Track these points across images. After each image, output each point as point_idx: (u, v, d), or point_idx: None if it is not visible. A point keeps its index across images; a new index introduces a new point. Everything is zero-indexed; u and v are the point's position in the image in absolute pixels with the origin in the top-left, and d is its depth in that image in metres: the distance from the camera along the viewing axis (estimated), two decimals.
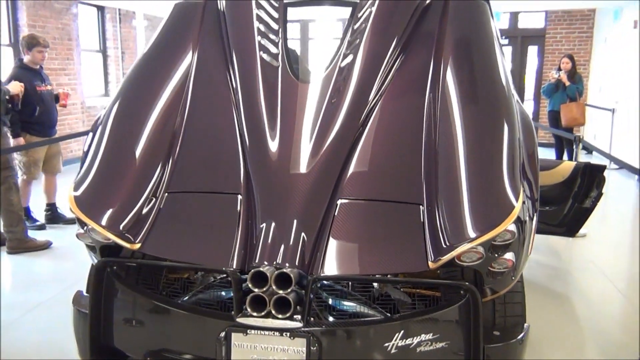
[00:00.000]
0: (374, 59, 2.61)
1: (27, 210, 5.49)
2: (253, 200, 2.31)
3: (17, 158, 5.14)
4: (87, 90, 9.66)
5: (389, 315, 2.13)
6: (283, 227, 2.17)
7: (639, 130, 8.04)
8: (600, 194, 3.64)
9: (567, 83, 8.02)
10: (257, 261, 2.09)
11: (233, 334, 2.02)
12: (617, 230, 6.01)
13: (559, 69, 8.23)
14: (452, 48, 2.60)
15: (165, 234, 2.25)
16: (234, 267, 2.12)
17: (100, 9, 10.03)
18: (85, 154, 2.46)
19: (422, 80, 2.54)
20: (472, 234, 1.99)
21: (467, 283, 2.01)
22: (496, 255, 2.04)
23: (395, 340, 2.00)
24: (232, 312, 2.06)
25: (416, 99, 2.51)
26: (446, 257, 1.99)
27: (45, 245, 4.97)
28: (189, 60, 2.74)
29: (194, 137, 2.54)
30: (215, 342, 2.04)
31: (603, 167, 3.62)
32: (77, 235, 2.32)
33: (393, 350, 2.00)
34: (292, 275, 1.98)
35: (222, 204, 2.34)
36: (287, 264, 2.05)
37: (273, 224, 2.18)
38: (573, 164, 3.71)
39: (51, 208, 5.73)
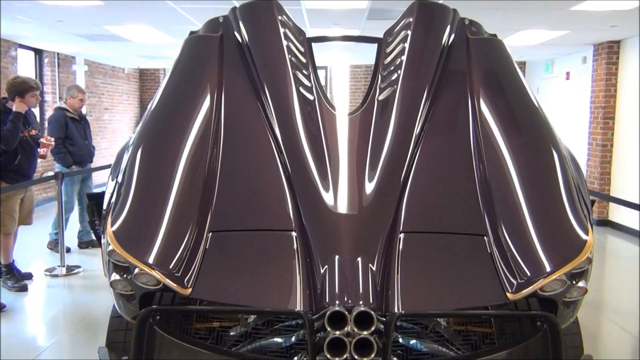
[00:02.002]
0: (414, 93, 2.59)
1: (12, 266, 4.87)
2: (307, 237, 2.17)
3: None
4: None
5: (460, 354, 2.03)
6: (347, 264, 2.04)
7: None
8: None
9: None
10: (327, 301, 1.94)
11: None
12: None
13: None
14: (481, 81, 2.64)
15: (216, 277, 2.05)
16: (302, 308, 1.95)
17: (39, 53, 9.55)
18: (113, 195, 2.24)
19: (463, 113, 2.55)
20: (555, 262, 1.97)
21: (548, 313, 1.96)
22: (573, 282, 2.02)
23: None
24: (305, 358, 1.89)
25: (460, 132, 2.51)
26: (534, 287, 1.94)
27: None
28: (214, 94, 2.60)
29: (233, 173, 2.38)
30: None
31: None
32: (113, 283, 2.07)
33: None
34: (373, 314, 1.84)
35: (275, 242, 2.18)
36: (360, 302, 1.92)
37: (336, 262, 2.05)
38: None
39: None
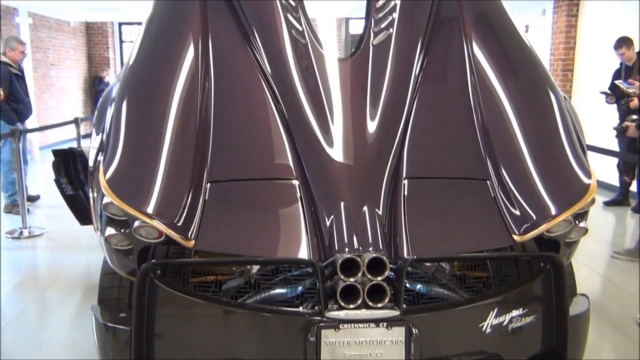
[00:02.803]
0: (410, 37, 2.52)
1: None
2: (309, 185, 2.11)
3: None
4: None
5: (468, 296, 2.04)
6: (354, 212, 2.00)
7: None
8: None
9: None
10: (336, 249, 1.90)
11: (323, 331, 1.82)
12: None
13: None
14: (474, 24, 2.60)
15: (219, 228, 1.98)
16: (310, 257, 1.91)
17: None
18: (102, 148, 2.10)
19: (459, 56, 2.51)
20: (561, 204, 1.98)
21: (554, 253, 1.99)
22: (576, 222, 2.05)
23: (490, 319, 1.92)
24: (317, 308, 1.85)
25: (457, 76, 2.46)
26: (541, 228, 1.96)
27: None
28: (199, 40, 2.44)
29: (227, 121, 2.27)
30: (303, 343, 1.82)
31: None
32: (108, 238, 1.96)
33: (488, 330, 1.92)
34: (386, 260, 1.82)
35: (277, 191, 2.11)
36: (370, 249, 1.89)
37: (342, 209, 2.00)
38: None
39: None
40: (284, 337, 1.85)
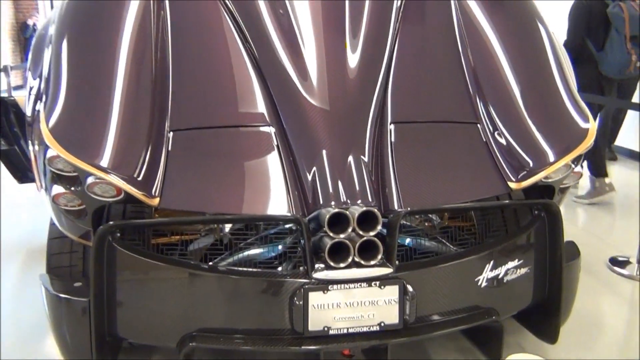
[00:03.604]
0: None
1: None
2: (286, 133, 1.89)
3: None
4: None
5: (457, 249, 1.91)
6: (338, 161, 1.80)
7: None
8: None
9: None
10: (321, 203, 1.70)
11: (310, 294, 1.64)
12: None
13: None
14: None
15: (186, 182, 1.74)
16: (293, 212, 1.71)
17: None
18: (42, 94, 1.79)
19: None
20: (559, 150, 1.85)
21: (551, 201, 1.86)
22: (573, 167, 1.92)
23: (486, 272, 1.79)
24: (302, 269, 1.67)
25: (441, 13, 2.26)
26: (539, 175, 1.82)
27: None
28: None
29: (188, 62, 2.00)
30: (288, 308, 1.64)
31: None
32: (55, 198, 1.68)
33: (484, 284, 1.79)
34: (378, 214, 1.64)
35: (251, 139, 1.87)
36: (359, 202, 1.70)
37: (325, 158, 1.80)
38: None
39: None
40: (265, 303, 1.66)
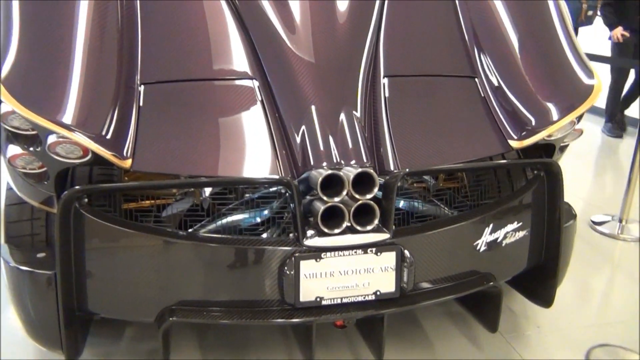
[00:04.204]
0: None
1: None
2: (270, 87, 1.72)
3: None
4: None
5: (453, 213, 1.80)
6: (329, 117, 1.64)
7: None
8: None
9: None
10: (312, 164, 1.55)
11: (302, 263, 1.50)
12: None
13: None
14: None
15: (161, 142, 1.56)
16: (282, 174, 1.56)
17: None
18: None
19: None
20: (563, 107, 1.73)
21: (552, 160, 1.76)
22: (575, 124, 1.82)
23: (485, 236, 1.69)
24: (292, 236, 1.53)
25: None
26: (542, 133, 1.71)
27: None
28: None
29: (161, 8, 1.79)
30: (277, 278, 1.51)
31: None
32: (12, 160, 1.49)
33: (482, 248, 1.70)
34: (375, 175, 1.50)
35: (231, 93, 1.69)
36: (353, 162, 1.56)
37: (314, 114, 1.64)
38: None
39: None
40: (252, 273, 1.52)
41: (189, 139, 1.58)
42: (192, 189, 1.76)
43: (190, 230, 1.63)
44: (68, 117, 1.41)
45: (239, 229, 1.64)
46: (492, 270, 1.74)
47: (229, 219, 1.69)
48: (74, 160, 1.45)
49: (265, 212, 1.68)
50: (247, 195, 1.71)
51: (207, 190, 1.75)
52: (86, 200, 1.50)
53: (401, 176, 1.56)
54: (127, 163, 1.48)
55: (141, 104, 1.60)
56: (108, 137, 1.46)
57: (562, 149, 1.92)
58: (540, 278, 1.88)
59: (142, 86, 1.63)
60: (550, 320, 2.15)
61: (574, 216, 1.98)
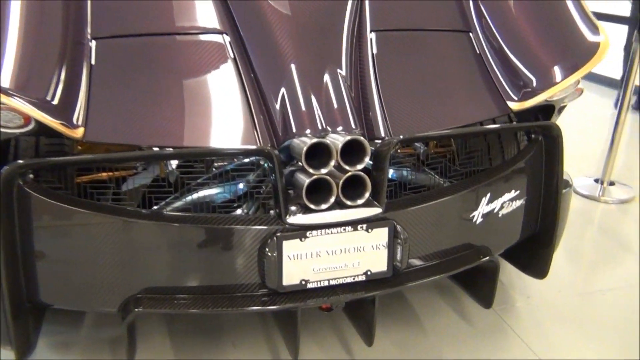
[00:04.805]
0: None
1: None
2: (244, 42, 1.51)
3: None
4: None
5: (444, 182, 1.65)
6: (311, 76, 1.45)
7: None
8: None
9: None
10: (294, 130, 1.37)
11: (285, 243, 1.33)
12: None
13: None
14: None
15: (117, 108, 1.34)
16: (261, 143, 1.37)
17: None
18: None
19: None
20: (567, 66, 1.58)
21: (553, 122, 1.62)
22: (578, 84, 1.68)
23: (482, 207, 1.55)
24: (273, 213, 1.36)
25: None
26: (544, 95, 1.57)
27: None
28: None
29: None
30: (257, 261, 1.33)
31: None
32: None
33: (479, 220, 1.56)
34: (366, 143, 1.33)
35: (199, 50, 1.48)
36: (340, 128, 1.38)
37: (295, 73, 1.44)
38: None
39: None
40: (228, 256, 1.34)
41: (150, 103, 1.37)
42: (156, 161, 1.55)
43: (155, 207, 1.43)
44: (4, 80, 1.18)
45: (211, 206, 1.45)
46: (487, 243, 1.62)
47: (199, 194, 1.50)
48: (14, 130, 1.22)
49: (241, 186, 1.49)
50: (218, 166, 1.52)
51: (174, 162, 1.54)
52: (31, 176, 1.28)
53: (394, 144, 1.39)
54: (79, 133, 1.26)
55: (93, 62, 1.38)
56: (54, 102, 1.24)
57: (561, 110, 1.78)
58: (534, 248, 1.76)
59: (94, 41, 1.40)
60: (539, 290, 2.06)
61: (570, 182, 1.86)
